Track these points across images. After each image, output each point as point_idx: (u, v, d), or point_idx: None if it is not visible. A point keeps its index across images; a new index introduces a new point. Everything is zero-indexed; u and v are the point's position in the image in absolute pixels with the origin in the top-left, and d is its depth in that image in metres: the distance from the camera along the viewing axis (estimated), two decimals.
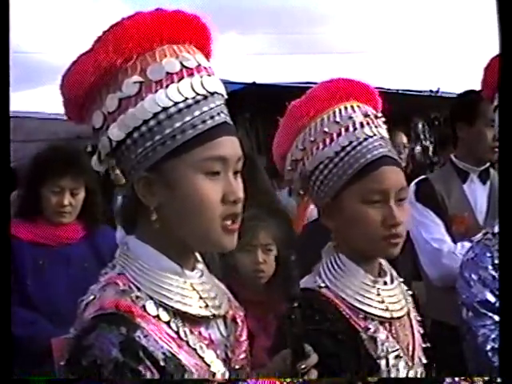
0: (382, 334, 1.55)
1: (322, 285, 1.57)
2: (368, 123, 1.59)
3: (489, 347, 1.85)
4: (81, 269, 2.72)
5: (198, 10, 1.30)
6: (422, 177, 3.03)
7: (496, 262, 1.88)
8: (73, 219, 2.78)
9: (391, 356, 1.55)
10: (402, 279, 1.70)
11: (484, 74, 2.01)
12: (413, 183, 2.89)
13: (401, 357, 1.56)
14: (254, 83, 7.23)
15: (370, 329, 1.54)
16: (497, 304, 1.86)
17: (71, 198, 2.74)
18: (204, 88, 1.23)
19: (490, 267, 1.90)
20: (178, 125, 1.20)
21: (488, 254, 1.92)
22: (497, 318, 1.86)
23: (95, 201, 2.82)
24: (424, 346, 1.67)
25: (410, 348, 1.62)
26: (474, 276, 1.92)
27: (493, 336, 1.86)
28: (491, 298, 1.89)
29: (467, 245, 2.41)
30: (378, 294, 1.58)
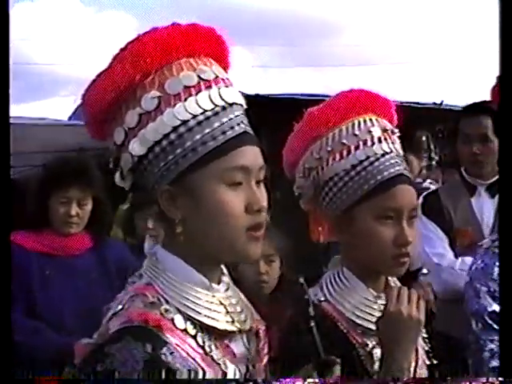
0: (380, 350, 1.51)
1: (322, 299, 1.56)
2: (386, 139, 1.58)
3: (494, 364, 1.80)
4: (87, 279, 2.73)
5: (204, 22, 1.30)
6: (432, 189, 3.04)
7: None
8: (80, 230, 2.79)
9: None
10: None
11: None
12: (421, 196, 2.89)
13: None
14: (257, 95, 7.24)
15: (368, 344, 1.53)
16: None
17: (78, 208, 2.74)
18: (222, 99, 1.22)
19: None
20: (198, 137, 1.19)
21: (498, 264, 1.84)
22: None
23: (103, 212, 2.83)
24: (429, 363, 1.64)
25: (413, 365, 1.57)
26: (483, 288, 1.88)
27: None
28: None
29: (468, 260, 2.41)
30: (380, 311, 1.54)
